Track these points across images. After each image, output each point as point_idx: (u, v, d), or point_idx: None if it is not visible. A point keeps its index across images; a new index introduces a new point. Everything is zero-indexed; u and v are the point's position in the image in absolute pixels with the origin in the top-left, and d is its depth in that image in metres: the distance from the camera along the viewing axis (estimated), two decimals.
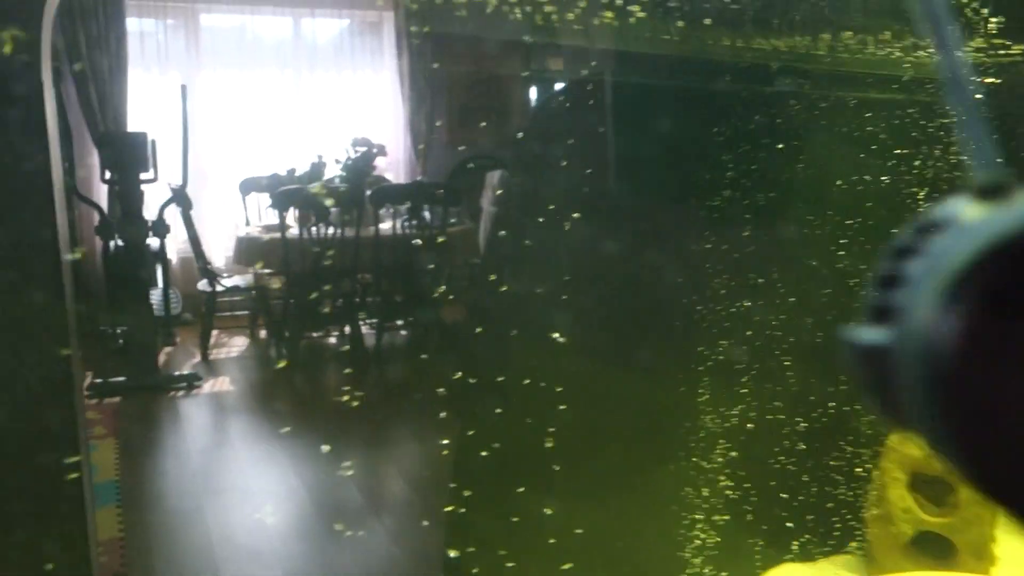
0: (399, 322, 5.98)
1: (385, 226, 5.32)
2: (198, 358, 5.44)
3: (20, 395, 1.77)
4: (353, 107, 6.68)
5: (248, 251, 5.34)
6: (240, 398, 4.75)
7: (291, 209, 5.12)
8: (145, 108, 6.07)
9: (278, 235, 5.20)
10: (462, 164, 7.05)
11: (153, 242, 4.99)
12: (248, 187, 5.96)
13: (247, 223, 5.89)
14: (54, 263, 1.89)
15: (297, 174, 5.49)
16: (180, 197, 4.83)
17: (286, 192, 4.86)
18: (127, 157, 4.45)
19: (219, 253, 6.53)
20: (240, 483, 3.52)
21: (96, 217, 5.06)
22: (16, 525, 1.81)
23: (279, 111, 6.50)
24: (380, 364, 5.51)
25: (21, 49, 1.72)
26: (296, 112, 6.55)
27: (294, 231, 5.11)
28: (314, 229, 5.00)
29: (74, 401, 1.82)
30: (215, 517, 3.12)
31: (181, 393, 4.70)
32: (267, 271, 5.55)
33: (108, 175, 4.71)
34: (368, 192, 5.19)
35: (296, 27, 6.48)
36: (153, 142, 4.62)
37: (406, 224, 5.19)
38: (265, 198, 6.06)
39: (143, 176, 4.56)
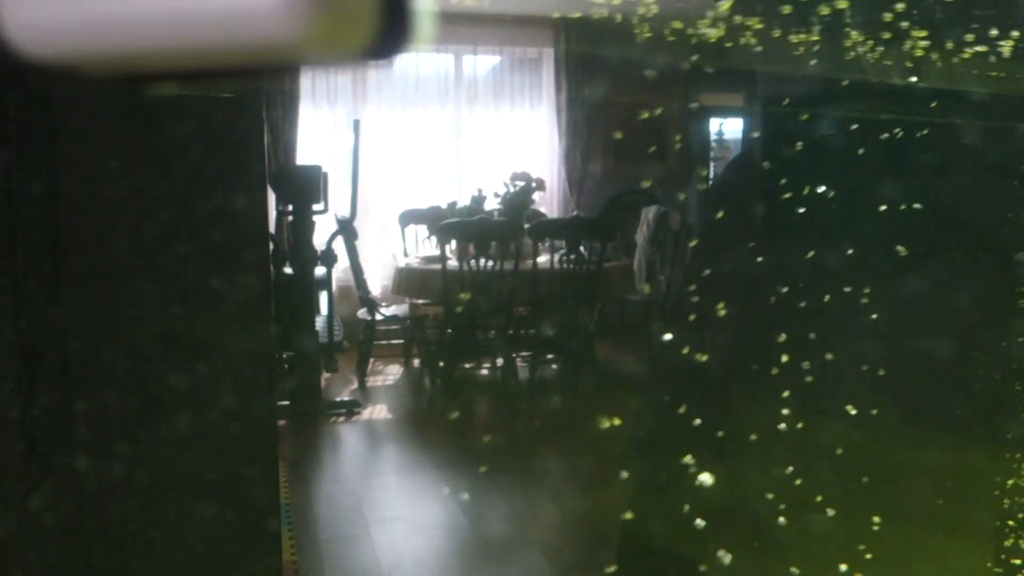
0: (549, 356, 5.95)
1: (542, 259, 5.32)
2: (355, 384, 5.57)
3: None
4: (511, 142, 6.76)
5: (408, 281, 5.44)
6: (398, 426, 4.81)
7: (451, 242, 5.20)
8: (313, 141, 6.33)
9: (438, 266, 5.28)
10: (616, 199, 7.01)
11: (319, 271, 5.16)
12: (408, 219, 6.10)
13: (405, 254, 6.02)
14: (265, 294, 1.94)
15: (458, 207, 5.57)
16: (347, 228, 4.98)
17: (448, 225, 4.93)
18: (301, 190, 4.62)
19: (376, 283, 6.70)
20: (404, 511, 3.54)
21: (270, 246, 5.26)
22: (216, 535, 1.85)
23: (440, 146, 6.64)
24: (532, 398, 5.49)
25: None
26: (456, 146, 6.68)
27: (452, 263, 5.18)
28: (473, 262, 5.05)
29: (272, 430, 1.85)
30: (382, 545, 3.15)
31: (342, 419, 4.81)
32: (424, 302, 5.65)
33: (281, 206, 4.91)
34: (527, 226, 5.20)
35: (457, 64, 6.63)
36: (325, 175, 4.79)
37: (563, 258, 5.17)
38: (423, 230, 6.19)
39: (315, 208, 4.73)
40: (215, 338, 1.79)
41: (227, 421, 1.80)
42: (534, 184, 5.66)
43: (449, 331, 5.49)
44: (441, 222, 5.41)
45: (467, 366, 5.88)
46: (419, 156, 6.61)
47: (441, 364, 5.60)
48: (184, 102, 1.70)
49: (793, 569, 1.39)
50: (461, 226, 4.96)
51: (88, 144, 1.66)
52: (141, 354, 1.70)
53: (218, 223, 1.78)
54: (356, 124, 4.98)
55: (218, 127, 1.79)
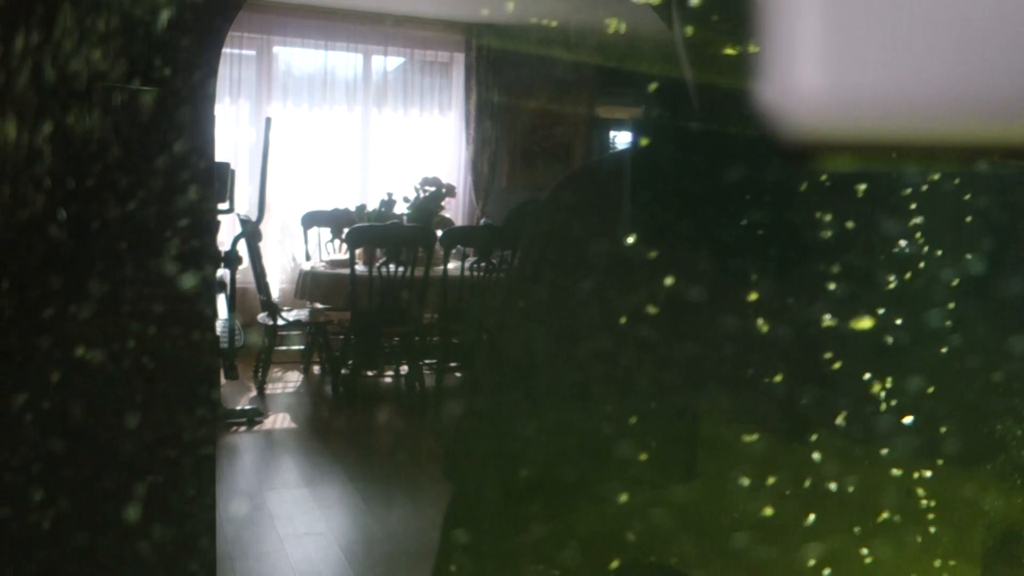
0: (454, 364, 5.88)
1: (452, 267, 5.25)
2: (254, 392, 5.35)
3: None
4: (419, 146, 6.66)
5: (313, 286, 5.28)
6: (304, 436, 4.65)
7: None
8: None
9: (344, 271, 5.14)
10: (521, 208, 6.99)
11: (220, 273, 4.93)
12: (311, 221, 5.92)
13: (307, 257, 5.84)
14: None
15: (367, 211, 5.44)
16: (253, 229, 4.78)
17: (359, 229, 4.80)
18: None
19: (274, 286, 6.47)
20: (319, 526, 3.41)
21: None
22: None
23: (345, 146, 6.48)
24: (437, 406, 5.40)
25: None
26: (362, 148, 6.53)
27: (360, 268, 5.05)
28: (383, 268, 4.93)
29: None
30: (299, 561, 3.01)
31: (243, 429, 4.60)
32: (325, 307, 5.49)
33: None
34: (439, 232, 5.13)
35: (366, 64, 6.49)
36: (233, 172, 4.58)
37: (474, 266, 5.12)
38: (327, 232, 6.02)
39: (220, 207, 4.51)
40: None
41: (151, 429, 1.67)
42: (444, 190, 5.59)
43: (354, 338, 5.35)
44: (351, 226, 5.28)
45: (370, 374, 5.75)
46: (323, 156, 6.42)
47: (344, 371, 5.45)
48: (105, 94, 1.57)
49: None
50: (373, 231, 4.84)
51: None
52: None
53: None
54: (268, 121, 4.79)
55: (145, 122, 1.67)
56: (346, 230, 5.27)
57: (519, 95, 6.81)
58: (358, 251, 5.07)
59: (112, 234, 1.62)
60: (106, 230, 1.64)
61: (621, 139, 7.78)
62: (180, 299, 1.67)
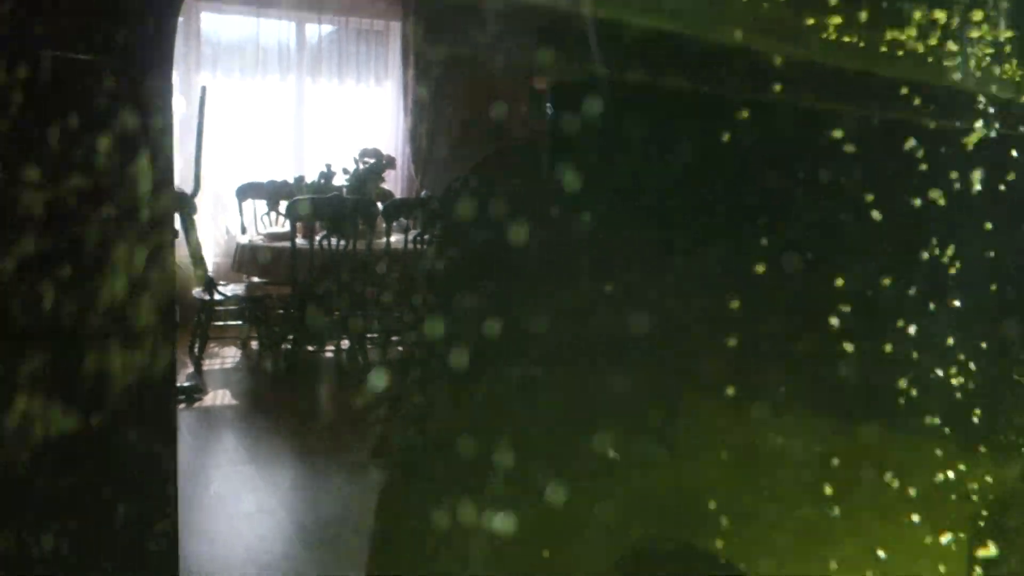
0: (395, 338, 5.84)
1: (393, 239, 5.20)
2: (190, 368, 5.23)
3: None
4: (356, 117, 6.54)
5: (251, 259, 5.17)
6: (246, 413, 4.57)
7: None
8: None
9: (284, 244, 5.04)
10: (457, 182, 6.94)
11: None
12: (246, 193, 5.78)
13: (243, 230, 5.71)
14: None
15: (305, 182, 5.34)
16: (188, 202, 4.64)
17: (300, 201, 4.71)
18: None
19: (208, 260, 6.32)
20: (270, 504, 3.36)
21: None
22: None
23: (279, 117, 6.33)
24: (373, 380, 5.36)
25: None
26: (297, 119, 6.39)
27: (299, 241, 4.96)
28: (324, 241, 4.85)
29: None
30: (251, 542, 2.97)
31: (182, 406, 4.50)
32: (264, 281, 5.38)
33: None
34: (381, 205, 5.06)
35: (299, 32, 6.33)
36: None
37: (417, 239, 5.07)
38: (262, 205, 5.89)
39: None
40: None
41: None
42: (384, 162, 5.51)
43: (294, 312, 5.26)
44: (288, 198, 5.18)
45: (311, 349, 5.66)
46: (256, 127, 6.27)
47: (285, 347, 5.36)
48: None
49: None
50: (313, 203, 4.75)
51: None
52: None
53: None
54: (203, 91, 4.63)
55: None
56: (284, 203, 5.17)
57: (457, 65, 6.74)
58: (298, 224, 4.97)
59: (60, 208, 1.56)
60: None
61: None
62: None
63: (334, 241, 4.85)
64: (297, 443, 4.19)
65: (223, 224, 6.18)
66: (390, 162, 5.52)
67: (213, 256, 6.28)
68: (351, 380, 5.36)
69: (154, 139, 1.69)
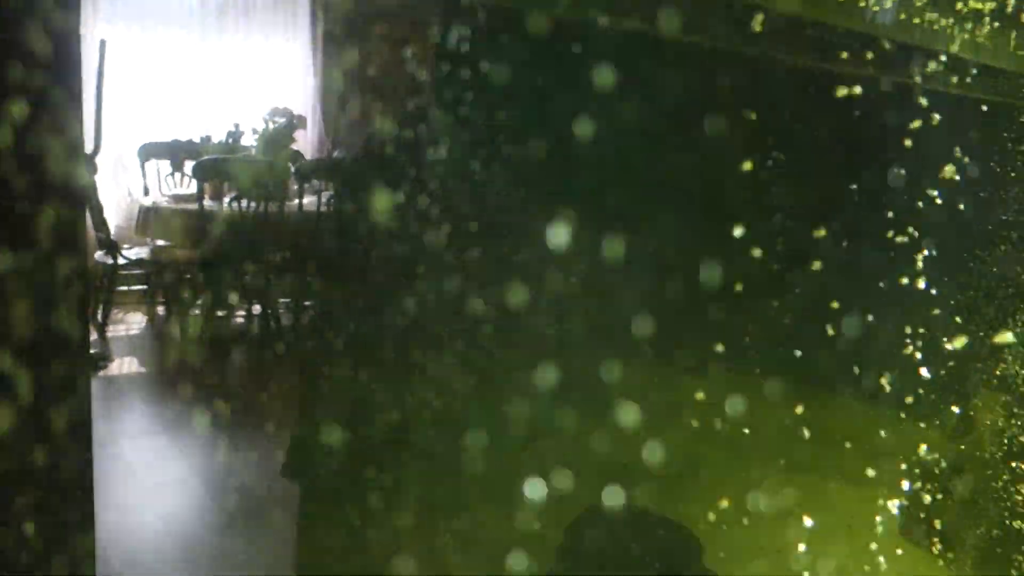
0: (308, 303, 5.73)
1: (306, 201, 5.08)
2: (94, 335, 5.03)
3: None
4: (265, 74, 6.34)
5: (156, 222, 4.98)
6: (155, 381, 4.43)
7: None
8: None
9: (191, 206, 4.88)
10: (369, 141, 6.82)
11: None
12: (149, 153, 5.55)
13: (146, 192, 5.49)
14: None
15: (212, 142, 5.16)
16: (89, 162, 4.43)
17: (208, 162, 4.55)
18: None
19: (110, 222, 6.07)
20: (182, 474, 3.28)
21: None
22: None
23: (183, 73, 6.08)
24: (290, 347, 5.27)
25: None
26: (202, 76, 6.15)
27: (207, 203, 4.80)
28: (234, 203, 4.71)
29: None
30: (168, 513, 2.90)
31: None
32: (170, 244, 5.19)
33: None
34: (293, 166, 4.94)
35: None
36: None
37: (331, 201, 4.97)
38: (166, 165, 5.67)
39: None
40: None
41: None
42: (295, 122, 5.37)
43: (203, 276, 5.11)
44: (194, 158, 5.00)
45: (221, 314, 5.52)
46: (160, 84, 6.01)
47: (193, 312, 5.21)
48: None
49: None
50: (223, 164, 4.60)
51: None
52: None
53: None
54: (103, 44, 4.40)
55: None
56: (191, 163, 4.99)
57: (367, 22, 6.59)
58: (205, 185, 4.81)
59: None
60: None
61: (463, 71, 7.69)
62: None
63: (244, 203, 4.71)
64: (207, 411, 4.09)
65: (125, 185, 5.93)
66: (301, 121, 5.38)
67: (115, 218, 6.02)
68: (262, 346, 5.25)
69: (59, 95, 1.60)
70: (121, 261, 5.02)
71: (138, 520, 2.85)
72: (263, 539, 2.82)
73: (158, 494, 3.03)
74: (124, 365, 4.53)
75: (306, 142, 6.41)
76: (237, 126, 5.21)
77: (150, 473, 3.21)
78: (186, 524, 2.91)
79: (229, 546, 2.74)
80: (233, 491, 3.20)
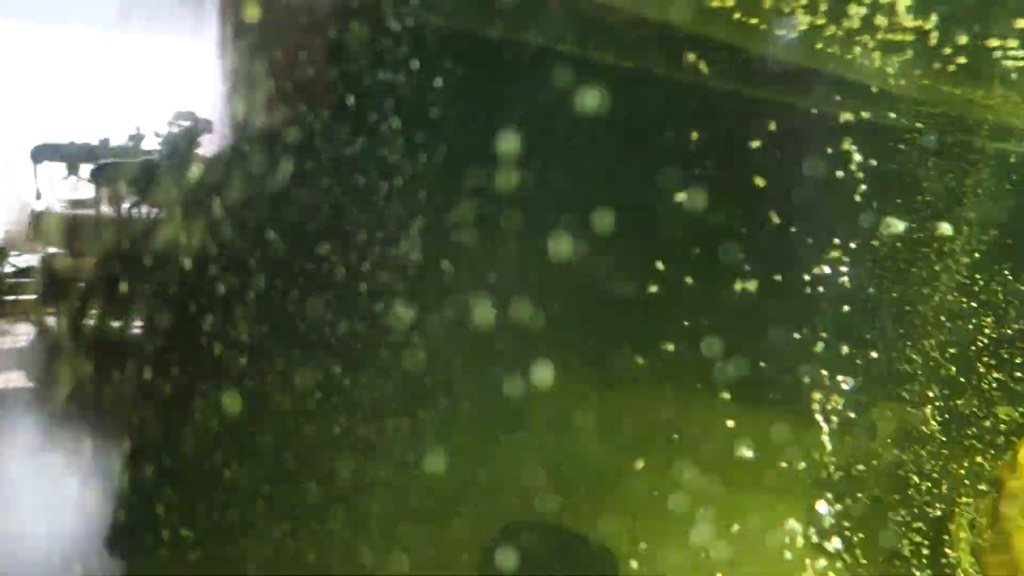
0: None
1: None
2: None
3: None
4: (168, 76, 6.10)
5: (48, 228, 4.73)
6: (43, 397, 4.18)
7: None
8: None
9: (88, 211, 4.65)
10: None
11: None
12: (42, 155, 5.27)
13: (38, 196, 5.22)
14: None
15: (112, 145, 4.94)
16: None
17: (109, 166, 4.35)
18: None
19: None
20: (72, 492, 3.08)
21: None
22: None
23: (81, 72, 5.81)
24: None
25: None
26: (102, 75, 5.88)
27: (104, 209, 4.59)
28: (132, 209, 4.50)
29: None
30: (58, 529, 2.72)
31: None
32: (64, 251, 4.94)
33: None
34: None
35: None
36: None
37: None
38: (61, 168, 5.41)
39: None
40: None
41: None
42: (201, 126, 5.18)
43: (98, 285, 4.87)
44: (92, 161, 4.78)
45: (117, 324, 5.26)
46: (56, 83, 5.73)
47: (87, 322, 4.95)
48: None
49: None
50: (124, 168, 4.40)
51: None
52: None
53: None
54: None
55: None
56: (90, 166, 4.76)
57: (278, 22, 6.42)
58: (103, 191, 4.59)
59: None
60: None
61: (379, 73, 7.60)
62: None
63: (144, 209, 4.51)
64: (98, 426, 3.87)
65: (15, 188, 5.62)
66: (207, 126, 5.19)
67: (3, 224, 5.70)
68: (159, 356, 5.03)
69: None
70: (8, 269, 4.75)
71: (30, 539, 2.67)
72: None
73: (42, 511, 2.85)
74: (10, 380, 4.27)
75: (211, 147, 6.20)
76: (139, 129, 5.00)
77: (40, 492, 3.02)
78: (69, 539, 2.74)
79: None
80: (126, 504, 3.03)
